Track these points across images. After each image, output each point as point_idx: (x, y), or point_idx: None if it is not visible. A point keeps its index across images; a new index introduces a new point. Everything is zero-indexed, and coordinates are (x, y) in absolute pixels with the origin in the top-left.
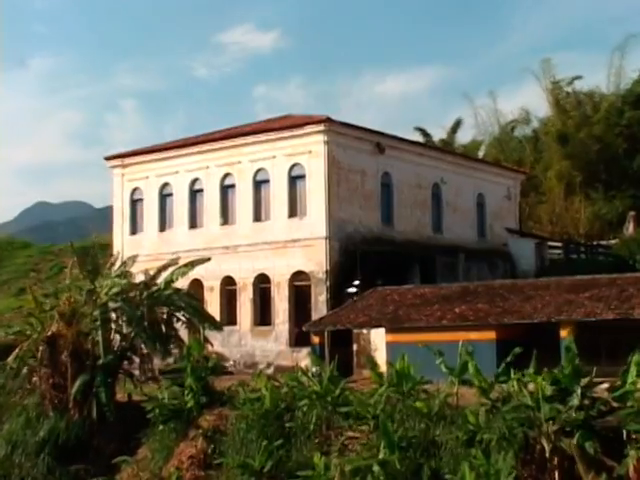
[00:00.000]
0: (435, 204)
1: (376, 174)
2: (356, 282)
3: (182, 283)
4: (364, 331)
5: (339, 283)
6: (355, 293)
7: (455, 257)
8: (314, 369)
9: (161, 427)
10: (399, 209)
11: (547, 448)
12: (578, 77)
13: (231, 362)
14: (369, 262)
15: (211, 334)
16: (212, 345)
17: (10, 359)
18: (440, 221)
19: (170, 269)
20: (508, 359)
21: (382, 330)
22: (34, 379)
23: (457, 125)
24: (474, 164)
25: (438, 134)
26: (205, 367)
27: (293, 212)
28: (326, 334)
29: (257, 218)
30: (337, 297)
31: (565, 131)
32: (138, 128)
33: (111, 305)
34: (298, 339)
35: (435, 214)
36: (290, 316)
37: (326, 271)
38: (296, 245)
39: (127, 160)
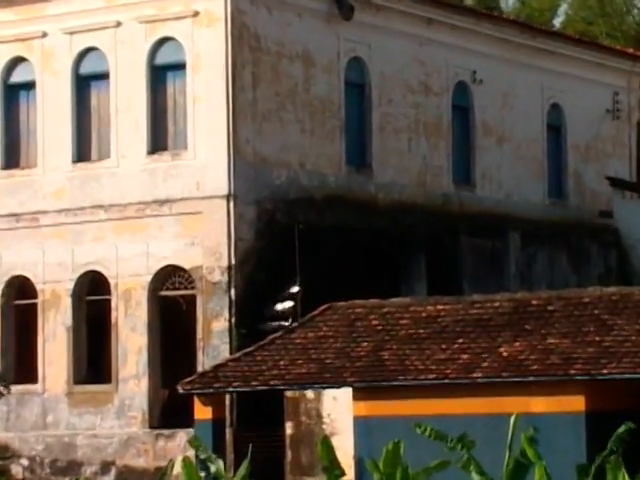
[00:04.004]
0: (459, 127)
1: (335, 62)
2: (294, 289)
3: None
4: (309, 395)
5: (256, 292)
6: (291, 314)
7: (501, 238)
8: (203, 475)
9: None
10: (384, 137)
11: None
12: None
13: (23, 461)
14: (321, 248)
15: None
16: None
17: None
18: (470, 163)
19: None
20: (611, 450)
21: (346, 392)
22: None
23: None
24: (543, 43)
25: None
26: None
27: (159, 142)
28: (228, 401)
29: (82, 156)
30: (252, 322)
31: None
32: None
33: None
34: (168, 411)
35: (459, 148)
36: (152, 362)
37: (228, 267)
38: (165, 212)
39: None
